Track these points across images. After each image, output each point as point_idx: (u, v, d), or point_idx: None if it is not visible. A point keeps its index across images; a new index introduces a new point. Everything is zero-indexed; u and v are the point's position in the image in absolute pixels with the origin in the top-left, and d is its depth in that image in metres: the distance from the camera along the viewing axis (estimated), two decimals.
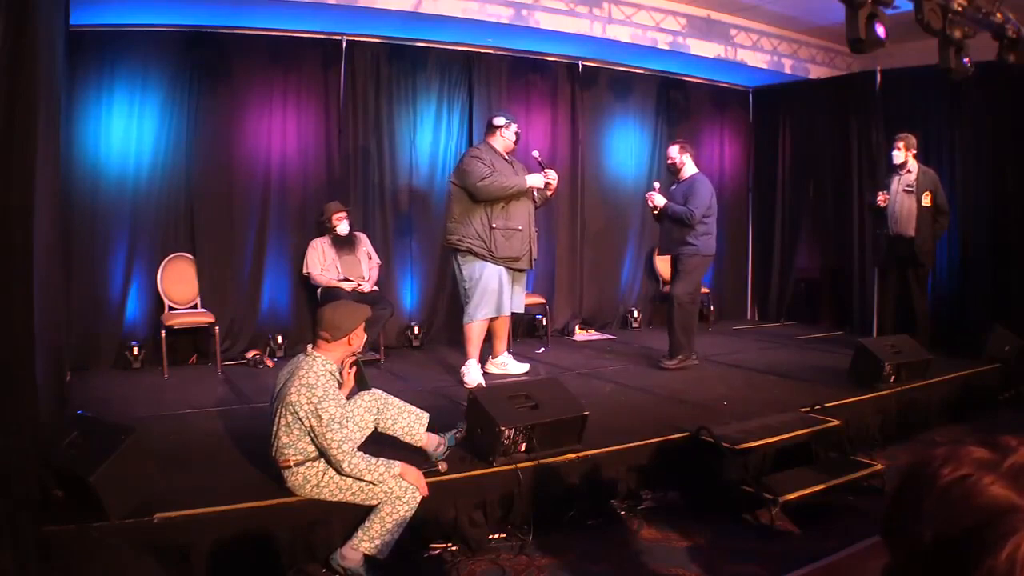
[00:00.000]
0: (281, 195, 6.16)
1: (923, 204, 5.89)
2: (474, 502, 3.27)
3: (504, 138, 5.14)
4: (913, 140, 6.00)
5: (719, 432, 3.74)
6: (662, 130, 7.89)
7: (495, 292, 5.04)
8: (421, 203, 6.70)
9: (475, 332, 5.09)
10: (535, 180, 5.05)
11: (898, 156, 5.95)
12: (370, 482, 2.89)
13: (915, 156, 6.00)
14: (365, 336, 3.18)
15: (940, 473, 0.79)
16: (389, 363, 5.83)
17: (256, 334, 6.04)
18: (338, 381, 3.02)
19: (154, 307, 5.73)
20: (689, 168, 5.69)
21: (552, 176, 5.21)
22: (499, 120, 5.16)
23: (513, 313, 5.36)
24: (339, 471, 2.88)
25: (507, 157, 5.16)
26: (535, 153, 5.37)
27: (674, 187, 5.78)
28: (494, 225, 4.99)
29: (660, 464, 3.76)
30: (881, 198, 5.98)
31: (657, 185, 5.74)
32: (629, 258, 7.79)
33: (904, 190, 5.95)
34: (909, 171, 5.96)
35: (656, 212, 5.66)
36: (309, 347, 3.04)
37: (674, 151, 5.72)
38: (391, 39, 6.43)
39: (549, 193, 5.32)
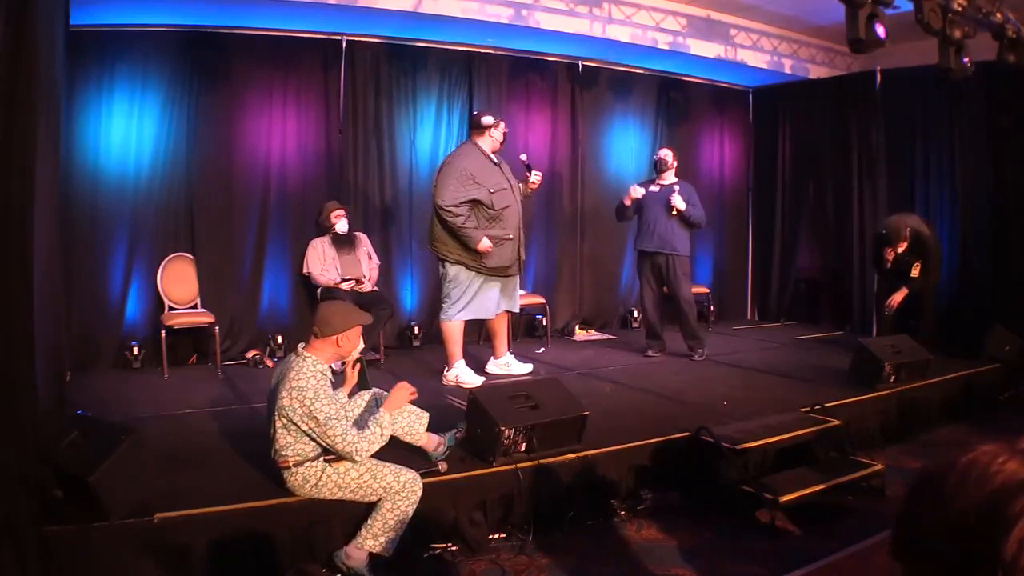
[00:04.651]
0: (281, 195, 6.15)
1: (912, 275, 5.88)
2: (474, 502, 3.27)
3: (492, 138, 5.01)
4: (909, 228, 5.88)
5: (719, 432, 3.74)
6: (662, 130, 7.90)
7: (473, 295, 4.98)
8: (421, 203, 6.68)
9: (454, 331, 5.03)
10: (485, 245, 4.83)
11: (899, 250, 5.89)
12: (372, 475, 2.89)
13: (907, 236, 5.87)
14: (360, 344, 3.14)
15: (957, 464, 0.80)
16: (389, 363, 5.83)
17: (256, 334, 6.04)
18: (331, 380, 3.00)
19: (154, 307, 5.73)
20: (671, 175, 6.07)
21: (536, 177, 5.22)
22: (487, 120, 5.01)
23: (512, 312, 5.36)
24: (353, 461, 2.88)
25: (494, 158, 5.04)
26: (523, 156, 5.39)
27: (658, 190, 6.02)
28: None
29: (660, 464, 3.76)
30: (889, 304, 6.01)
31: (678, 188, 5.94)
32: (629, 258, 7.76)
33: (900, 269, 5.97)
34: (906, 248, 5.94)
35: (675, 213, 5.86)
36: (300, 346, 3.01)
37: (669, 154, 6.11)
38: (391, 39, 6.43)
39: (530, 190, 5.29)
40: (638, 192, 5.93)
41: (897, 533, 0.83)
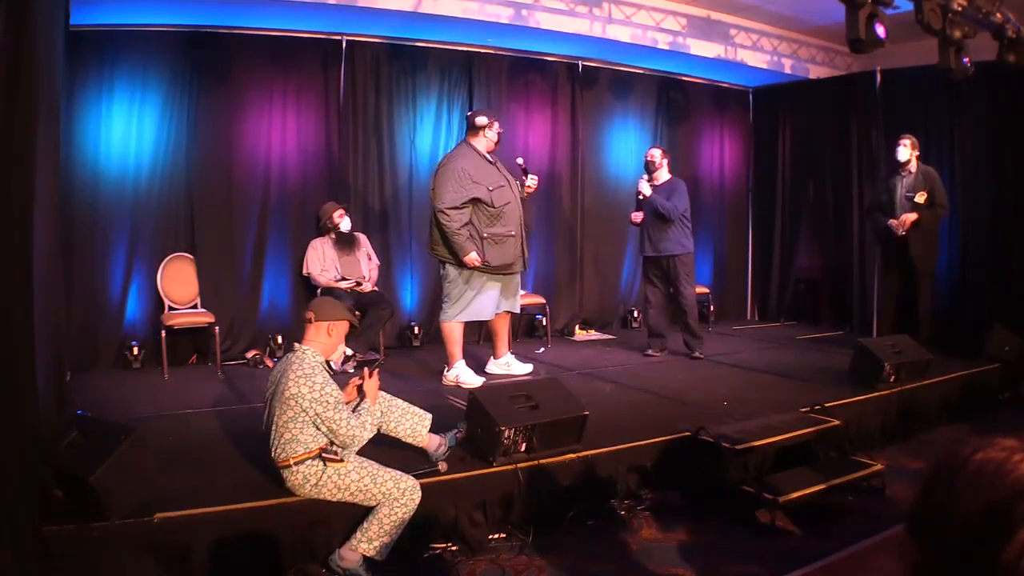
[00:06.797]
0: (281, 195, 6.15)
1: (917, 202, 5.84)
2: (474, 502, 3.27)
3: (487, 138, 4.99)
4: (917, 141, 5.98)
5: (719, 432, 3.75)
6: (662, 130, 7.90)
7: (472, 296, 4.97)
8: (421, 203, 6.67)
9: (454, 332, 5.02)
10: (472, 258, 4.83)
11: (903, 153, 5.89)
12: (368, 478, 2.91)
13: (918, 157, 5.96)
14: (344, 350, 3.20)
15: (972, 458, 0.80)
16: (389, 363, 5.81)
17: (256, 334, 6.04)
18: (328, 372, 3.03)
19: (154, 307, 5.73)
20: (664, 173, 6.05)
21: (533, 181, 5.21)
22: (481, 120, 4.99)
23: (512, 313, 5.36)
24: (346, 447, 2.92)
25: (490, 158, 5.01)
26: (519, 160, 5.36)
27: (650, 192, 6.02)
28: (484, 235, 4.85)
29: (660, 464, 3.76)
30: (896, 225, 5.92)
31: (645, 176, 6.02)
32: (629, 258, 7.78)
33: (906, 196, 5.92)
34: (911, 172, 5.94)
35: (641, 198, 5.93)
36: (297, 344, 3.06)
37: (657, 153, 6.12)
38: (391, 39, 6.43)
39: (527, 193, 5.25)
40: (645, 188, 5.94)
41: (911, 519, 0.84)
